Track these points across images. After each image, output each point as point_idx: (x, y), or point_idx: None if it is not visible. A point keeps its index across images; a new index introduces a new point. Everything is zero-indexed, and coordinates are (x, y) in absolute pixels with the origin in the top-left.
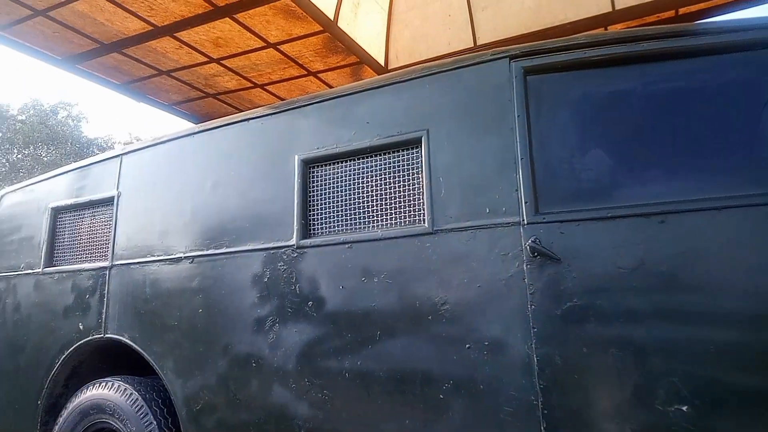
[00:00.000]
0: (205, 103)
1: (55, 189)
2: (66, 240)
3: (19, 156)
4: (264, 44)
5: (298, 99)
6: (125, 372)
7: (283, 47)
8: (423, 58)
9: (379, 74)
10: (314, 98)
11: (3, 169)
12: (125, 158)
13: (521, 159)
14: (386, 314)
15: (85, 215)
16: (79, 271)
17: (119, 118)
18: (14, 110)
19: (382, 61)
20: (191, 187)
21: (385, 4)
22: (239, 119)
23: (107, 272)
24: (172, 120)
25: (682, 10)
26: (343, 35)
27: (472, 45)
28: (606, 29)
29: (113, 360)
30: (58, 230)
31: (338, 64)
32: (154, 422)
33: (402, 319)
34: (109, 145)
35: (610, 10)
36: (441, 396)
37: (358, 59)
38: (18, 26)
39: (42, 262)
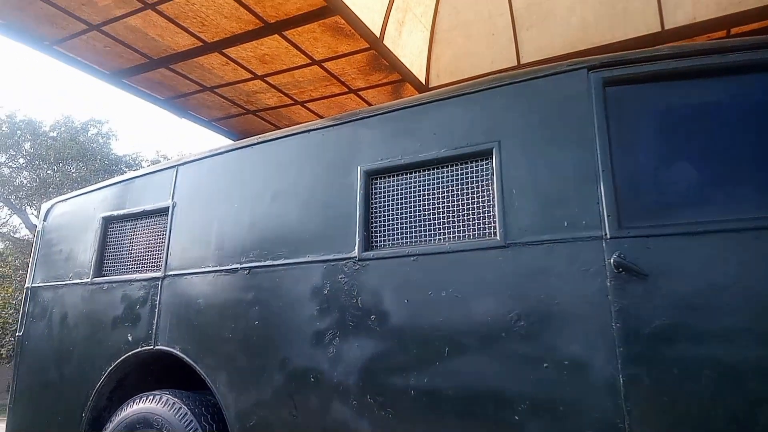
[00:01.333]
0: (245, 119)
1: (105, 199)
2: (116, 250)
3: (49, 172)
4: (309, 61)
5: (360, 111)
6: (171, 386)
7: (327, 64)
8: (465, 77)
9: (420, 92)
10: (378, 110)
11: (33, 184)
12: (181, 169)
13: (602, 171)
14: (455, 330)
15: (138, 225)
16: (130, 281)
17: (147, 137)
18: (46, 127)
19: (423, 79)
20: (249, 198)
21: (428, 23)
22: (300, 131)
23: (159, 283)
24: (198, 138)
25: (734, 30)
26: (387, 53)
27: (516, 64)
28: None
29: (159, 373)
30: (108, 240)
31: (380, 82)
32: None
33: (473, 336)
34: (136, 162)
35: (659, 30)
36: (516, 417)
37: (399, 77)
38: (71, 41)
39: (91, 272)
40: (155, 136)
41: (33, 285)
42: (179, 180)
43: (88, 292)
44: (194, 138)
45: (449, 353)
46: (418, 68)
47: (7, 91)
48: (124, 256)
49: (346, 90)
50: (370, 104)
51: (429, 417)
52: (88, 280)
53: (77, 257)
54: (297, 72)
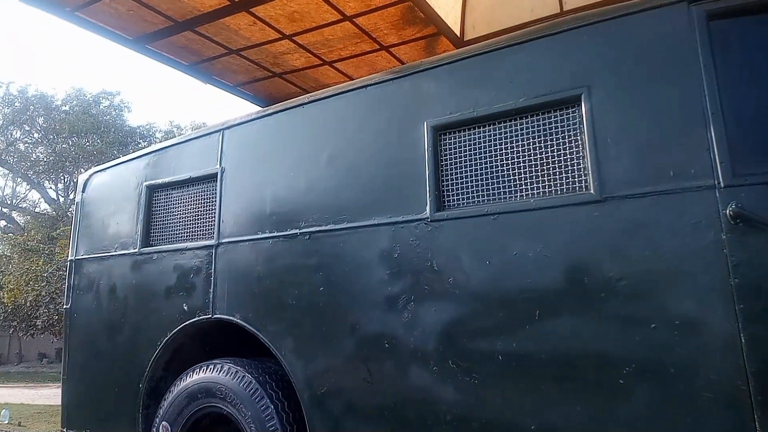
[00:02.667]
0: (270, 83)
1: (147, 167)
2: (163, 219)
3: (64, 146)
4: (340, 17)
5: (422, 62)
6: (227, 355)
7: (358, 20)
8: (503, 27)
9: (456, 46)
10: (444, 59)
11: (50, 159)
12: (227, 132)
13: (712, 114)
14: (546, 291)
15: (184, 193)
16: (182, 250)
17: (159, 108)
18: (58, 101)
19: (458, 32)
20: (304, 160)
21: None
22: (357, 86)
23: (213, 251)
24: (210, 108)
25: None
26: (423, 4)
27: (558, 11)
28: None
29: (215, 343)
30: (154, 209)
31: (413, 36)
32: (272, 406)
33: (567, 297)
34: (150, 133)
35: None
36: (621, 381)
37: (435, 30)
38: (94, 5)
39: (138, 242)
40: (167, 107)
41: (77, 257)
42: (226, 144)
43: (136, 263)
44: (206, 108)
45: (540, 316)
46: (452, 20)
47: (15, 63)
48: (172, 224)
49: (377, 47)
50: (402, 62)
51: (520, 382)
52: (136, 250)
53: (122, 228)
54: (327, 30)
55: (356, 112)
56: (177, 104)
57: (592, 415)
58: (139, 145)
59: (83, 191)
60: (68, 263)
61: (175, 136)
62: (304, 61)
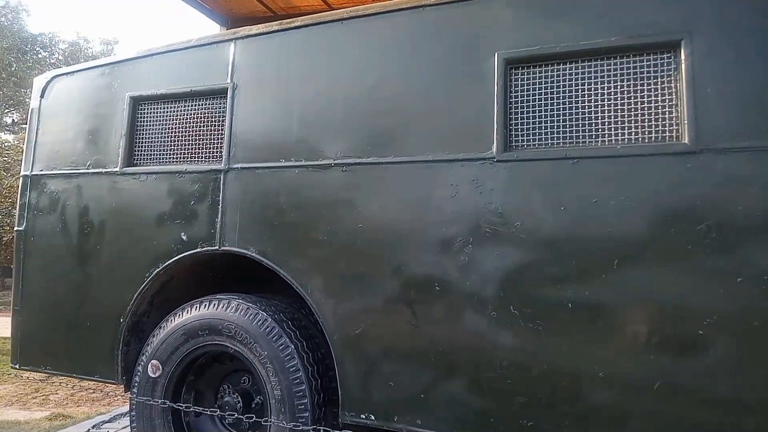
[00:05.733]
0: None
1: (130, 75)
2: (150, 136)
3: None
4: None
5: None
6: (216, 290)
7: None
8: None
9: None
10: None
11: None
12: (240, 44)
13: None
14: (627, 241)
15: (180, 108)
16: (179, 173)
17: (63, 16)
18: None
19: None
20: (343, 83)
21: None
22: (411, 5)
23: (221, 176)
24: (124, 28)
25: None
26: None
27: None
28: None
29: (205, 276)
30: (138, 124)
31: None
32: (291, 346)
33: (649, 248)
34: (53, 42)
35: None
36: (700, 332)
37: None
38: None
39: (120, 161)
40: (72, 17)
41: (34, 173)
42: (239, 57)
43: (116, 184)
44: (124, 24)
45: (618, 265)
46: None
47: None
48: (163, 143)
49: None
50: None
51: (590, 330)
52: (116, 169)
53: (95, 143)
54: None
55: (410, 35)
56: (81, 16)
57: (667, 367)
58: (39, 54)
59: (42, 96)
60: (22, 178)
61: (82, 49)
62: None
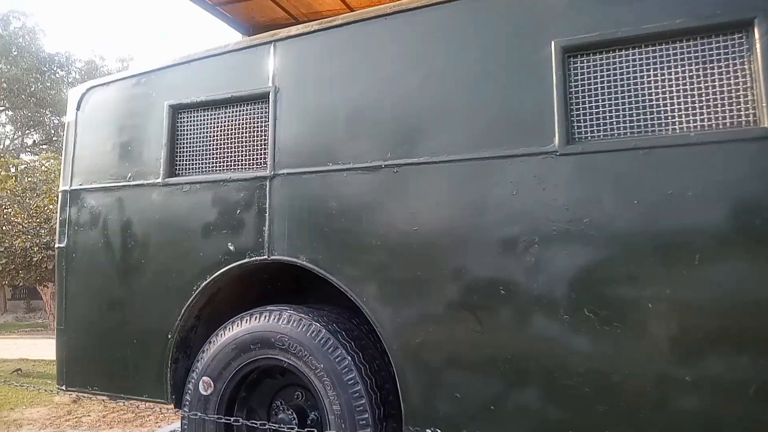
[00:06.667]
0: (255, 4)
1: (167, 84)
2: (191, 145)
3: None
4: None
5: None
6: (264, 301)
7: None
8: None
9: None
10: None
11: None
12: (281, 46)
13: None
14: (709, 235)
15: (221, 115)
16: (222, 181)
17: (78, 35)
18: None
19: None
20: (390, 81)
21: None
22: None
23: (267, 183)
24: (145, 42)
25: None
26: None
27: None
28: None
29: (255, 287)
30: (179, 133)
31: None
32: (348, 357)
33: (733, 241)
34: (70, 61)
35: None
36: None
37: None
38: None
39: (162, 172)
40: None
41: (73, 188)
42: (280, 60)
43: (159, 195)
44: (138, 42)
45: (701, 260)
46: None
47: None
48: (204, 151)
49: None
50: None
51: (674, 330)
52: (159, 180)
53: (135, 154)
54: None
55: (459, 27)
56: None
57: (764, 369)
58: (57, 74)
59: (78, 108)
60: (61, 194)
61: (98, 67)
62: None
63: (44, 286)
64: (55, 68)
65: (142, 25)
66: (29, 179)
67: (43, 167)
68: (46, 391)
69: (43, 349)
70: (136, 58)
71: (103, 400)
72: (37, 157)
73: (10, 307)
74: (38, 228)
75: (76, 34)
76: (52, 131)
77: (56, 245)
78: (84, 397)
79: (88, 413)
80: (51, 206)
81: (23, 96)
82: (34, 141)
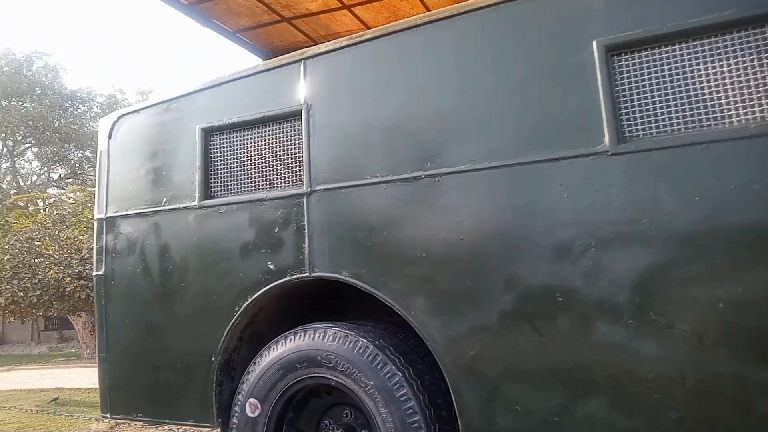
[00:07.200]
0: (275, 29)
1: (197, 108)
2: (225, 166)
3: None
4: None
5: None
6: (305, 319)
7: None
8: None
9: None
10: None
11: None
12: (310, 64)
13: None
14: None
15: (254, 135)
16: (259, 201)
17: (97, 71)
18: None
19: None
20: (425, 90)
21: None
22: (488, 3)
23: (304, 200)
24: (162, 74)
25: None
26: None
27: None
28: None
29: (296, 305)
30: (212, 155)
31: None
32: (399, 373)
33: None
34: (91, 97)
35: None
36: None
37: None
38: None
39: (197, 194)
40: (106, 71)
41: (108, 215)
42: (309, 77)
43: (195, 218)
44: (155, 72)
45: None
46: None
47: None
48: (238, 172)
49: None
50: (428, 8)
51: (750, 330)
52: (195, 203)
53: (169, 178)
54: None
55: (495, 31)
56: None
57: None
58: (79, 110)
59: (110, 137)
60: (96, 222)
61: (118, 101)
62: (320, 4)
63: (77, 315)
64: (77, 104)
65: (159, 56)
66: (58, 212)
67: (70, 200)
68: (85, 418)
69: (77, 377)
70: (155, 90)
71: (140, 426)
72: (63, 190)
73: (43, 337)
74: (69, 259)
75: (95, 70)
76: (77, 165)
77: (94, 273)
78: (124, 423)
79: None
80: (81, 237)
81: (48, 132)
82: (60, 175)
